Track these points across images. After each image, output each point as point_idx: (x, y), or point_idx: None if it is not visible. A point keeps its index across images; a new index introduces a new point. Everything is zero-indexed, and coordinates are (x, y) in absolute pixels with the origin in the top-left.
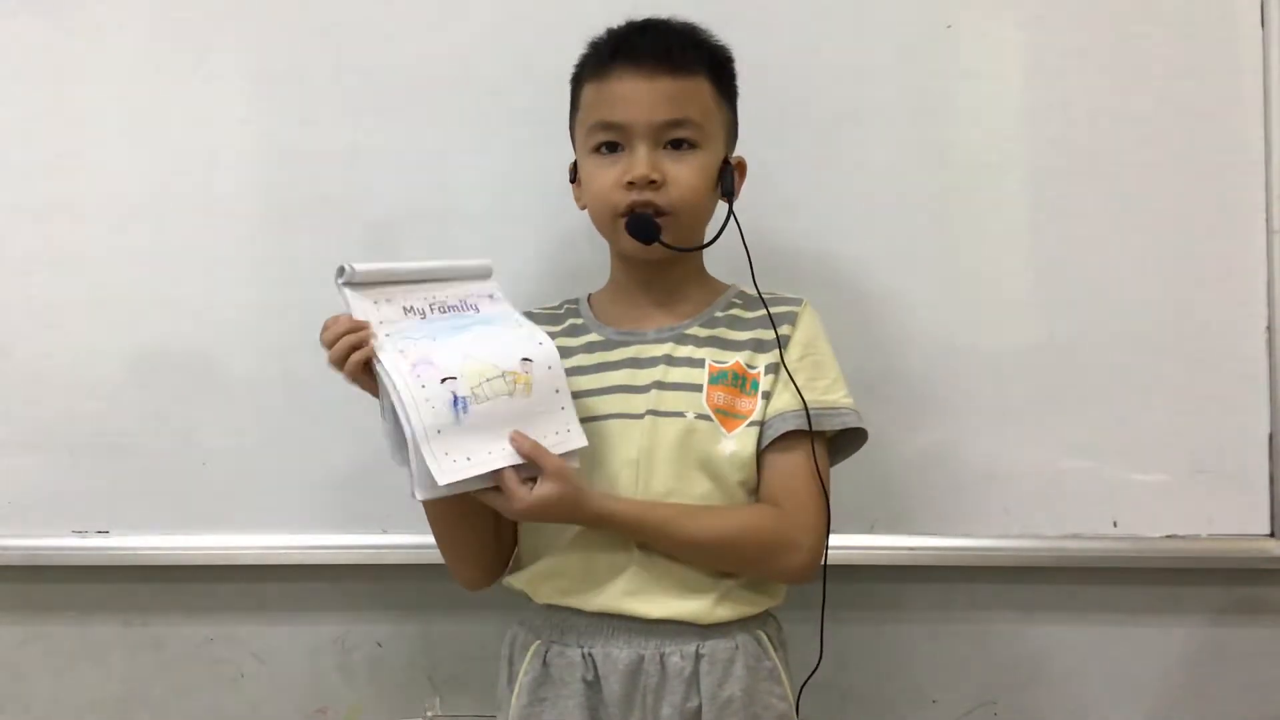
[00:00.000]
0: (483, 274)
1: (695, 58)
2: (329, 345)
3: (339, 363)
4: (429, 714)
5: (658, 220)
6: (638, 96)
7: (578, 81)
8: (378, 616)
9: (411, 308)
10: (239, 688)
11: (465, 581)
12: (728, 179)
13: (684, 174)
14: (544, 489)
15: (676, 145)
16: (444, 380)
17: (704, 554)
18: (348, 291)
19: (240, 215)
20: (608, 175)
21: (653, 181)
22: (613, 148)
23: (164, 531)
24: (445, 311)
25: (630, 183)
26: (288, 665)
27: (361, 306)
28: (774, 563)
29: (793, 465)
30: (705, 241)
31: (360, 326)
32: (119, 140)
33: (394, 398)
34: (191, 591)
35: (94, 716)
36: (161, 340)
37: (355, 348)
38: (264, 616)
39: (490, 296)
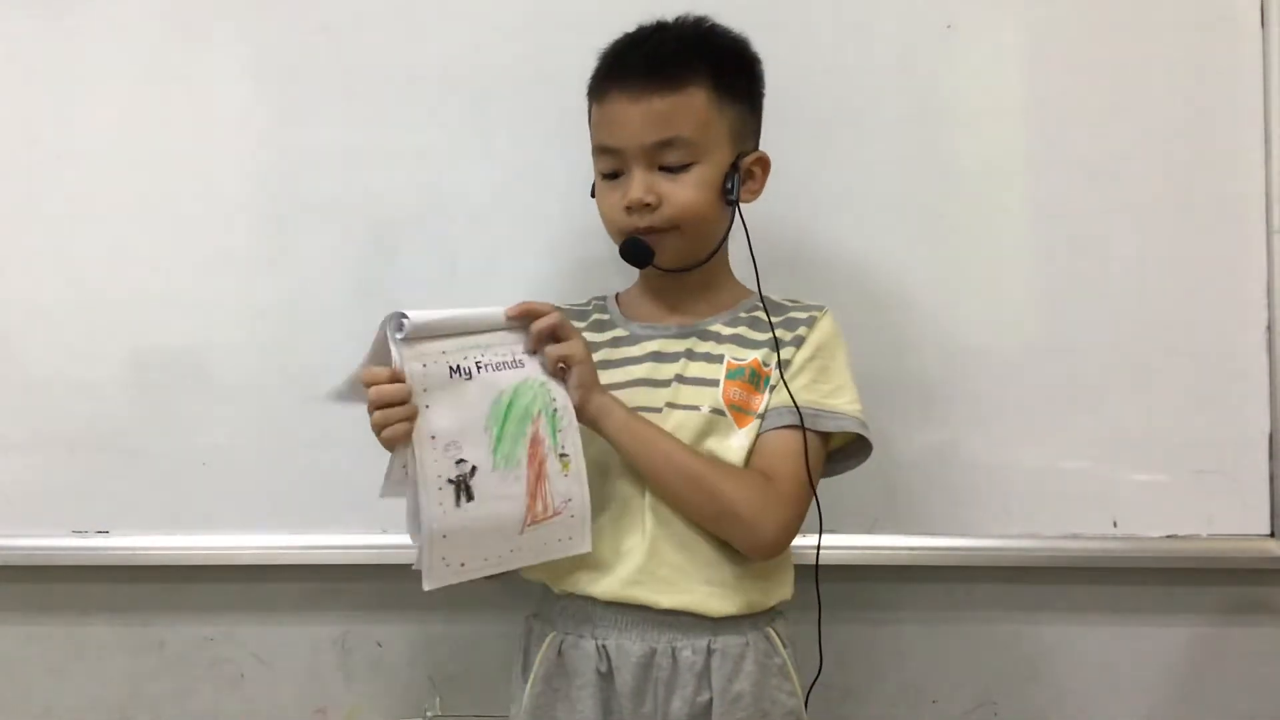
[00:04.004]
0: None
1: (688, 68)
2: (375, 405)
3: (381, 426)
4: (429, 714)
5: (654, 240)
6: (627, 119)
7: (588, 98)
8: (378, 616)
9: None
10: (239, 688)
11: None
12: (730, 183)
13: (680, 192)
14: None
15: (669, 166)
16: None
17: (682, 484)
18: (403, 348)
19: (240, 215)
20: (610, 199)
21: (647, 204)
22: (615, 172)
23: (164, 531)
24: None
25: (628, 207)
26: (288, 665)
27: (410, 368)
28: (742, 522)
29: (780, 446)
30: (713, 250)
31: (400, 380)
32: (119, 140)
33: (419, 488)
34: (191, 591)
35: (94, 716)
36: (161, 340)
37: (403, 418)
38: (264, 616)
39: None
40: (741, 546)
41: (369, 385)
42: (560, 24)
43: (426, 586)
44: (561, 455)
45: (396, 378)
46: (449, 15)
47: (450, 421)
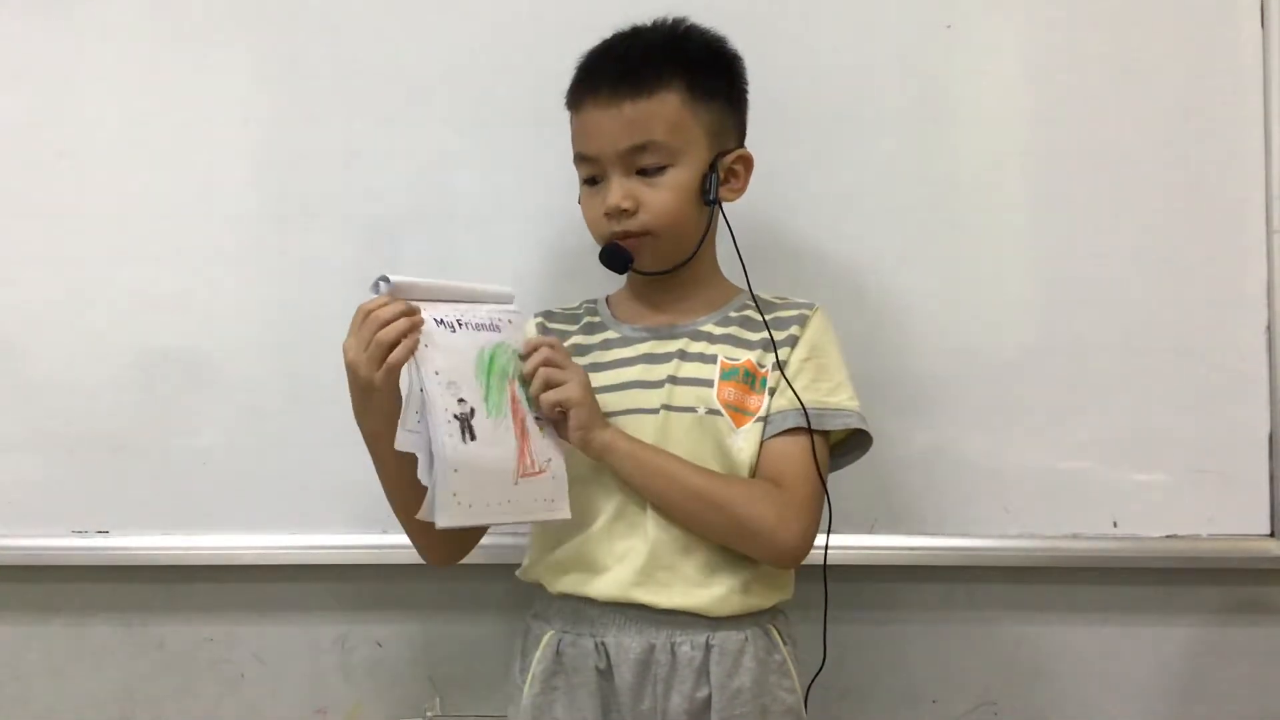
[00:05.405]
0: (506, 300)
1: (659, 71)
2: (373, 331)
3: (380, 356)
4: (429, 714)
5: (633, 245)
6: (601, 127)
7: (567, 109)
8: (378, 616)
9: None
10: (239, 688)
11: (431, 556)
12: (708, 184)
13: (657, 197)
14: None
15: (645, 169)
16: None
17: (695, 506)
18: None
19: (240, 215)
20: (591, 206)
21: (625, 209)
22: (594, 180)
23: (164, 531)
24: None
25: (606, 213)
26: (288, 665)
27: None
28: (762, 536)
29: (789, 451)
30: (693, 251)
31: (414, 311)
32: (119, 140)
33: (429, 421)
34: (191, 591)
35: (94, 716)
36: (161, 340)
37: (402, 334)
38: (264, 616)
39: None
40: (763, 558)
41: (369, 314)
42: (560, 24)
43: (440, 524)
44: (536, 418)
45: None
46: (449, 15)
47: (448, 362)
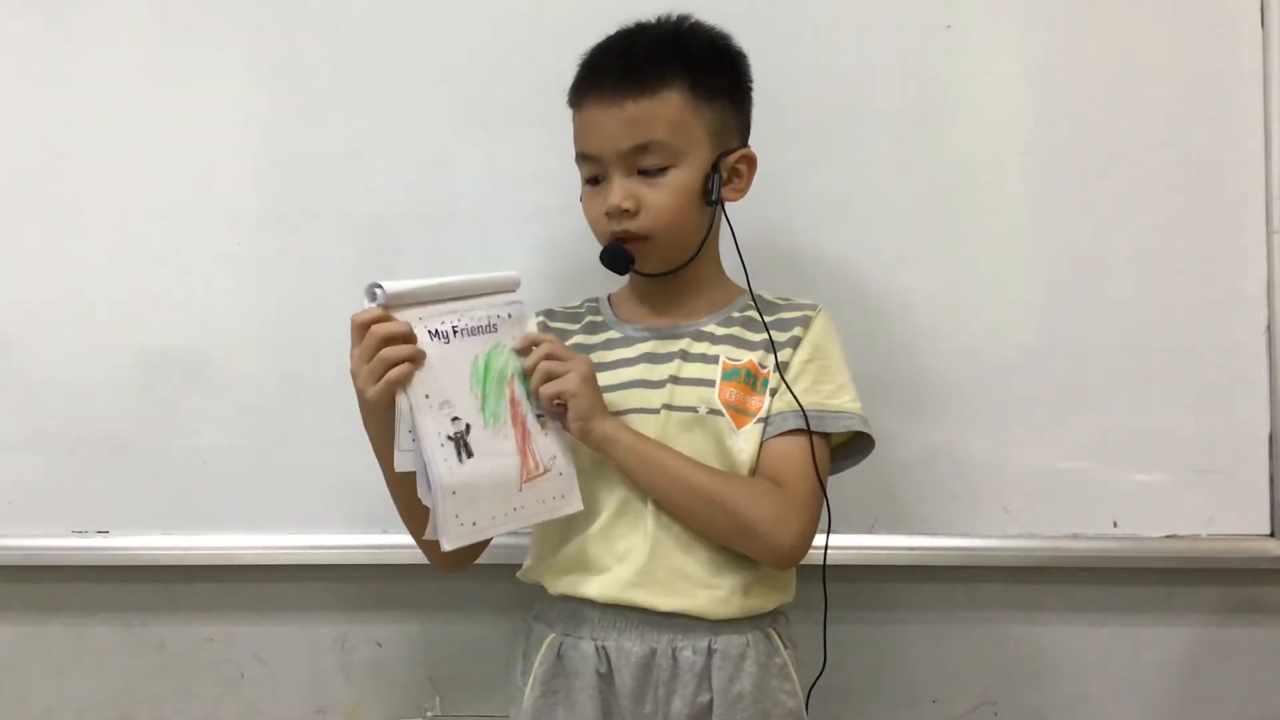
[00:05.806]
0: (510, 286)
1: (662, 71)
2: (375, 348)
3: (380, 372)
4: (429, 714)
5: (634, 247)
6: (603, 126)
7: (569, 106)
8: (378, 616)
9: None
10: (239, 688)
11: (440, 563)
12: (711, 184)
13: (658, 198)
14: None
15: (647, 170)
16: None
17: (696, 503)
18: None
19: (240, 215)
20: (593, 206)
21: (626, 210)
22: (596, 179)
23: (164, 531)
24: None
25: (607, 213)
26: (288, 665)
27: None
28: (760, 535)
29: (789, 452)
30: (695, 252)
31: (410, 336)
32: (119, 140)
33: (423, 448)
34: (191, 591)
35: (94, 716)
36: (161, 340)
37: (405, 359)
38: (264, 616)
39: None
40: (761, 558)
41: (366, 326)
42: (560, 23)
43: (445, 547)
44: (538, 416)
45: (386, 318)
46: (449, 15)
47: (439, 381)
